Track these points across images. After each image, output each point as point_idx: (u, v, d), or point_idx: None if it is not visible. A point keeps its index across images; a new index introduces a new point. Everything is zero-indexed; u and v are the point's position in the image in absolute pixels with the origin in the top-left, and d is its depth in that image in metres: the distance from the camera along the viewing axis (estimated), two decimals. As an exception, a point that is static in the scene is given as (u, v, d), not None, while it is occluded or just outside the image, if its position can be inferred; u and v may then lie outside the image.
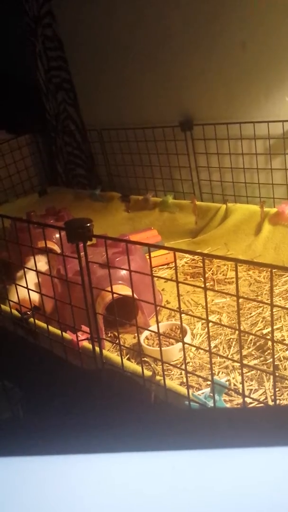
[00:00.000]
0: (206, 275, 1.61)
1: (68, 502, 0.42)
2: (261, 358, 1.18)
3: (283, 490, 0.42)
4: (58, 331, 1.20)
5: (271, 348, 1.11)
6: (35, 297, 1.28)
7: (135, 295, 1.16)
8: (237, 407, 1.00)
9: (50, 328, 1.23)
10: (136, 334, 1.33)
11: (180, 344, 1.20)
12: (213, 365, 1.15)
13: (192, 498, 0.42)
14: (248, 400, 1.00)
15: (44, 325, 1.24)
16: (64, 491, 0.43)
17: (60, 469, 0.45)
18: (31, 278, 1.27)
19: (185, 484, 0.42)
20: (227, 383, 1.09)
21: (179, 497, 0.42)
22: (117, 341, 1.19)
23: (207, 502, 0.41)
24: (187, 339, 1.25)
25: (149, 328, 1.28)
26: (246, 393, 1.04)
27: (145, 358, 1.21)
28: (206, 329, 0.93)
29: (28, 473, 0.45)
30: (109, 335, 1.38)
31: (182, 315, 1.32)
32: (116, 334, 1.29)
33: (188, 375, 1.06)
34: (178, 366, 1.16)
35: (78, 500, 0.42)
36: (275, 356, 1.15)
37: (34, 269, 1.19)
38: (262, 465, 0.44)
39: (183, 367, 0.98)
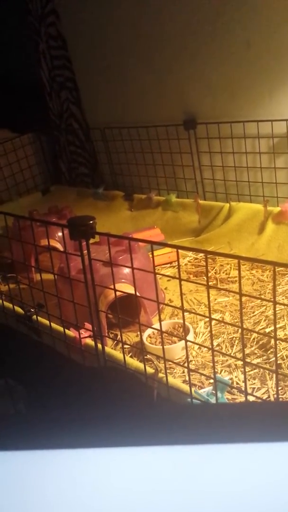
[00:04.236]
0: (209, 274, 1.61)
1: (71, 496, 0.42)
2: (264, 357, 1.18)
3: (285, 485, 0.42)
4: (61, 329, 1.20)
5: (274, 346, 1.11)
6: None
7: (138, 293, 1.16)
8: (239, 402, 1.00)
9: (53, 325, 1.23)
10: (139, 332, 1.33)
11: (182, 343, 1.20)
12: (216, 364, 1.15)
13: (194, 492, 0.42)
14: (250, 398, 1.00)
15: (47, 322, 1.24)
16: (67, 484, 0.43)
17: (63, 463, 0.45)
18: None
19: (187, 478, 0.42)
20: (230, 381, 1.09)
21: (181, 491, 0.42)
22: (119, 338, 1.19)
23: (208, 496, 0.41)
24: (190, 337, 1.25)
25: (152, 326, 1.28)
26: (249, 391, 1.04)
27: (147, 356, 1.21)
28: (209, 328, 0.94)
29: (31, 467, 0.45)
30: (112, 334, 1.38)
31: (185, 313, 1.32)
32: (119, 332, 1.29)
33: (191, 373, 1.06)
34: (181, 364, 1.16)
35: (80, 493, 0.42)
36: (278, 355, 1.15)
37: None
38: (264, 460, 0.44)
39: (185, 365, 0.98)
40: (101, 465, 0.45)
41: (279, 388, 1.04)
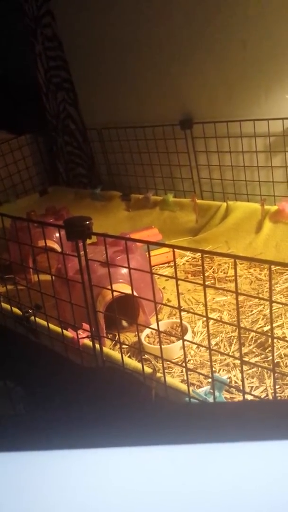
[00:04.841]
0: (207, 274, 1.61)
1: (70, 496, 0.43)
2: (262, 355, 1.18)
3: (283, 484, 0.42)
4: (59, 329, 1.20)
5: (271, 345, 1.11)
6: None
7: (135, 294, 1.16)
8: (237, 401, 1.00)
9: (51, 326, 1.23)
10: (136, 333, 1.33)
11: (180, 342, 1.20)
12: (214, 363, 1.15)
13: (193, 492, 0.42)
14: (249, 397, 1.00)
15: (45, 323, 1.24)
16: (66, 485, 0.43)
17: (62, 463, 0.45)
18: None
19: (186, 478, 0.43)
20: (228, 380, 1.09)
21: (180, 491, 0.42)
22: (117, 338, 1.19)
23: (207, 495, 0.42)
24: (188, 337, 1.25)
25: (150, 326, 1.29)
26: (247, 390, 1.04)
27: (146, 356, 1.22)
28: (207, 327, 0.94)
29: (30, 468, 0.45)
30: (110, 334, 1.38)
31: (183, 313, 1.32)
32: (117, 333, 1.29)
33: (189, 372, 1.06)
34: (179, 363, 1.17)
35: (79, 493, 0.43)
36: (276, 353, 1.15)
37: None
38: (263, 459, 0.44)
39: (183, 364, 0.98)
40: (100, 466, 0.45)
41: (277, 386, 1.04)
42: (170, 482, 0.43)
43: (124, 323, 1.37)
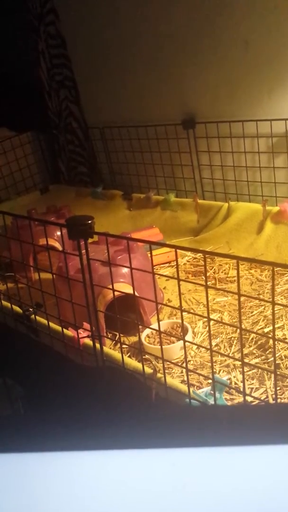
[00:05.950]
0: (208, 274, 1.61)
1: (68, 498, 0.42)
2: (263, 357, 1.18)
3: (283, 488, 0.42)
4: (59, 328, 1.20)
5: (272, 346, 1.11)
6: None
7: (136, 293, 1.16)
8: (238, 404, 0.99)
9: (51, 325, 1.23)
10: (137, 333, 1.33)
11: (181, 343, 1.19)
12: (214, 364, 1.15)
13: (192, 495, 0.42)
14: (249, 399, 1.00)
15: (45, 321, 1.24)
16: (64, 487, 0.43)
17: (60, 465, 0.45)
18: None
19: (185, 482, 0.42)
20: (228, 381, 1.09)
21: (179, 494, 0.42)
22: (118, 338, 1.19)
23: (206, 499, 0.41)
24: (188, 337, 1.25)
25: (150, 326, 1.28)
26: (247, 391, 1.04)
27: (146, 356, 1.21)
28: (207, 327, 0.94)
29: (28, 469, 0.45)
30: (110, 334, 1.38)
31: (184, 313, 1.32)
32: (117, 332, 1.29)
33: (189, 373, 1.06)
34: (179, 364, 1.16)
35: (78, 496, 0.42)
36: (276, 355, 1.14)
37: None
38: (262, 463, 0.44)
39: (184, 365, 0.98)
40: (99, 468, 0.45)
41: (278, 388, 1.04)
42: (170, 485, 0.43)
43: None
